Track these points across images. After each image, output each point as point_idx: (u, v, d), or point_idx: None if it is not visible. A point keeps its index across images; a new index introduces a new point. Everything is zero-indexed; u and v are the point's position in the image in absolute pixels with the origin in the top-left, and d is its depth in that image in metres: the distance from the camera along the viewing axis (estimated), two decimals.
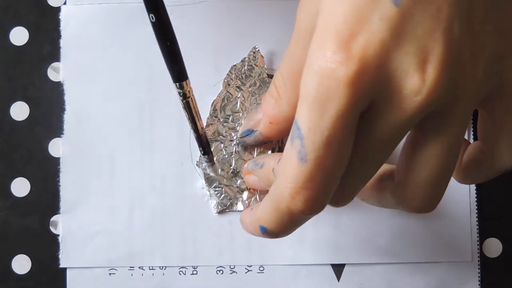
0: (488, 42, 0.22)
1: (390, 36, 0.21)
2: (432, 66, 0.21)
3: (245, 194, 0.33)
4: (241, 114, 0.33)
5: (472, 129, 0.34)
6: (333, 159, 0.22)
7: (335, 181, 0.22)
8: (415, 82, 0.21)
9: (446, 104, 0.22)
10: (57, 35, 0.34)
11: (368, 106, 0.22)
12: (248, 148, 0.33)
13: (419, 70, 0.21)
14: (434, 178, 0.23)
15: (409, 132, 0.24)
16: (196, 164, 0.34)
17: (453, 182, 0.34)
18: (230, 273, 0.34)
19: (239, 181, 0.33)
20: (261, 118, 0.30)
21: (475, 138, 0.33)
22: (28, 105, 0.35)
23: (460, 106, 0.22)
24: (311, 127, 0.21)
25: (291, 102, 0.27)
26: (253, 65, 0.33)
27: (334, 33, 0.21)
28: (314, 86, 0.21)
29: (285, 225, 0.24)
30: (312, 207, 0.22)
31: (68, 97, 0.34)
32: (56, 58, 0.35)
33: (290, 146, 0.22)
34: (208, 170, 0.33)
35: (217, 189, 0.34)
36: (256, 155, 0.33)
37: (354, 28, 0.21)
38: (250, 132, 0.31)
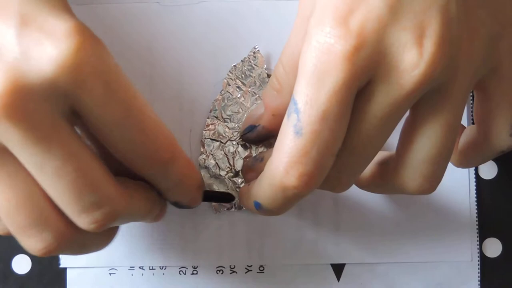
0: (483, 24, 0.23)
1: (388, 12, 0.21)
2: (430, 41, 0.21)
3: None
4: (241, 114, 0.33)
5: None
6: (329, 133, 0.22)
7: (330, 157, 0.23)
8: (413, 56, 0.21)
9: (444, 82, 0.22)
10: None
11: (366, 83, 0.22)
12: (248, 147, 0.33)
13: (416, 44, 0.21)
14: (433, 157, 0.24)
15: (407, 114, 0.24)
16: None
17: (453, 182, 0.34)
18: (230, 273, 0.34)
19: (239, 181, 0.33)
20: (263, 112, 0.30)
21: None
22: None
23: (457, 85, 0.22)
24: (308, 101, 0.22)
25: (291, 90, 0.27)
26: (253, 65, 0.33)
27: (333, 10, 0.21)
28: (312, 60, 0.21)
29: (279, 201, 0.24)
30: (306, 183, 0.23)
31: None
32: None
33: (287, 121, 0.23)
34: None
35: (217, 189, 0.34)
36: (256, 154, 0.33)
37: (352, 5, 0.21)
38: (252, 128, 0.31)
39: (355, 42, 0.21)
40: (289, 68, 0.27)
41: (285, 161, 0.22)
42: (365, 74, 0.21)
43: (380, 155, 0.27)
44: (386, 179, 0.26)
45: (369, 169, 0.27)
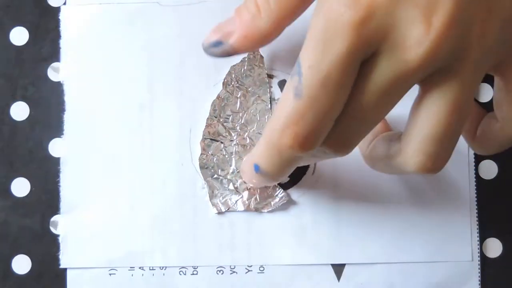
0: (503, 6, 0.22)
1: None
2: (438, 20, 0.21)
3: (245, 194, 0.33)
4: (241, 114, 0.33)
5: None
6: (327, 99, 0.22)
7: (328, 122, 0.23)
8: (419, 33, 0.21)
9: (452, 62, 0.22)
10: (57, 35, 0.34)
11: (371, 54, 0.22)
12: (247, 147, 0.33)
13: (425, 22, 0.21)
14: (437, 135, 0.23)
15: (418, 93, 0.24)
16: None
17: (453, 182, 0.34)
18: (230, 273, 0.34)
19: (239, 181, 0.33)
20: (234, 30, 0.27)
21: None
22: (28, 105, 0.35)
23: (467, 64, 0.22)
24: (311, 65, 0.22)
25: (271, 20, 0.26)
26: (253, 65, 0.33)
27: None
28: (320, 26, 0.22)
29: (276, 162, 0.25)
30: (300, 144, 0.23)
31: (68, 97, 0.34)
32: (56, 58, 0.35)
33: (289, 83, 0.23)
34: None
35: (217, 189, 0.34)
36: None
37: None
38: (219, 43, 0.28)
39: (363, 13, 0.21)
40: (275, 3, 0.26)
41: (282, 121, 0.23)
42: (370, 46, 0.22)
43: (389, 133, 0.28)
44: (393, 158, 0.26)
45: (379, 149, 0.27)
